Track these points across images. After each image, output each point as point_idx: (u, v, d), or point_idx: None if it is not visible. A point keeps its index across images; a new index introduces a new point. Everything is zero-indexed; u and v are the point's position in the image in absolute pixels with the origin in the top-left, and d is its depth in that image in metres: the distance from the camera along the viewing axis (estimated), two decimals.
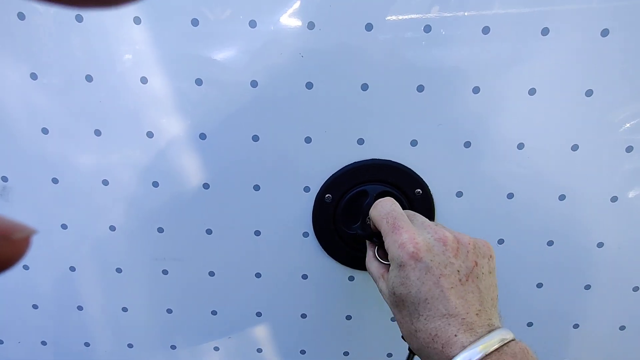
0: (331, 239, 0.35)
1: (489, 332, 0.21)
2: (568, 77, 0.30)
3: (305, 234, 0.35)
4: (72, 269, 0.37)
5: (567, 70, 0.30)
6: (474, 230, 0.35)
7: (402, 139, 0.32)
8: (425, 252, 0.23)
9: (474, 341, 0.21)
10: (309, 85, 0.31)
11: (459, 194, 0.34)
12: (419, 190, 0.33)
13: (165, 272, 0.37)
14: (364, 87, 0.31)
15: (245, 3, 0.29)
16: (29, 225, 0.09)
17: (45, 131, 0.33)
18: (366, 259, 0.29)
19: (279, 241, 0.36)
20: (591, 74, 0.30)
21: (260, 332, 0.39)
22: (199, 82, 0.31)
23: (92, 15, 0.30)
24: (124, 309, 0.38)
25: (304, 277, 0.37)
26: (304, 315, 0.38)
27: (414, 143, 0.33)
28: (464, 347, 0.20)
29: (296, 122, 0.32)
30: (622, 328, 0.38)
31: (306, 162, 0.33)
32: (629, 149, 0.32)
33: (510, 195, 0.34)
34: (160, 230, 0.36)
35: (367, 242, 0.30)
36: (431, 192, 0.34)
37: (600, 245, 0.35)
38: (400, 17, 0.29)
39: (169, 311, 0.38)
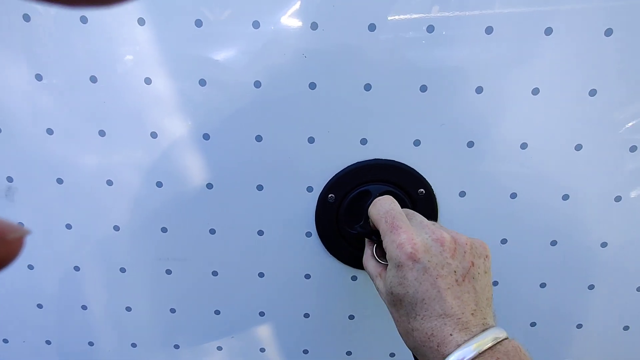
0: (334, 238, 0.35)
1: (483, 330, 0.21)
2: (571, 77, 0.30)
3: (308, 234, 0.35)
4: (77, 268, 0.37)
5: (570, 70, 0.30)
6: (476, 230, 0.35)
7: (405, 139, 0.32)
8: (423, 253, 0.23)
9: (468, 340, 0.21)
10: (312, 86, 0.31)
11: (462, 194, 0.34)
12: (422, 190, 0.33)
13: (168, 271, 0.37)
14: (367, 87, 0.31)
15: (248, 4, 0.29)
16: (25, 225, 0.09)
17: (49, 132, 0.33)
18: (364, 256, 0.29)
19: (282, 241, 0.36)
20: (595, 74, 0.30)
21: (263, 332, 0.39)
22: (202, 82, 0.31)
23: (97, 17, 0.30)
24: (128, 309, 0.39)
25: (307, 276, 0.37)
26: (306, 315, 0.38)
27: (417, 143, 0.33)
28: (458, 346, 0.21)
29: (299, 122, 0.32)
30: (626, 328, 0.38)
31: (309, 162, 0.33)
32: (633, 149, 0.32)
33: (513, 195, 0.34)
34: (164, 230, 0.36)
35: (366, 240, 0.30)
36: (434, 192, 0.34)
37: (603, 245, 0.35)
38: (403, 17, 0.29)
39: (173, 311, 0.39)
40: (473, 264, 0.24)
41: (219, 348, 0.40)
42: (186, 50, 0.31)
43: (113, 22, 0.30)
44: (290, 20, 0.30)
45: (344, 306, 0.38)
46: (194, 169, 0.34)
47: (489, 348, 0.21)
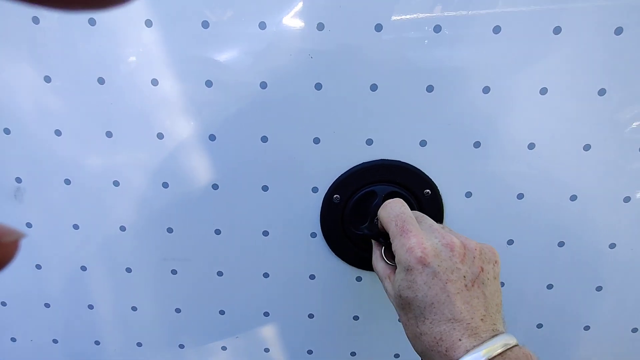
0: (339, 239, 0.35)
1: (493, 336, 0.21)
2: (580, 76, 0.30)
3: (313, 235, 0.35)
4: (83, 268, 0.38)
5: (579, 69, 0.30)
6: (483, 231, 0.34)
7: (411, 139, 0.32)
8: (433, 257, 0.23)
9: (478, 345, 0.21)
10: (318, 86, 0.31)
11: (469, 195, 0.34)
12: (428, 190, 0.33)
13: (174, 271, 0.37)
14: (373, 87, 0.31)
15: (254, 5, 0.29)
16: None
17: (58, 133, 0.34)
18: (373, 258, 0.29)
19: (287, 241, 0.36)
20: (604, 73, 0.30)
21: (268, 332, 0.39)
22: (208, 83, 0.31)
23: (104, 19, 0.30)
24: (134, 308, 0.39)
25: (312, 277, 0.37)
26: (311, 316, 0.38)
27: (423, 143, 0.32)
28: (467, 351, 0.21)
29: (305, 123, 0.32)
30: (635, 330, 0.37)
31: (314, 162, 0.33)
32: None
33: (520, 196, 0.34)
34: (170, 230, 0.36)
35: (374, 242, 0.30)
36: (440, 193, 0.33)
37: (612, 246, 0.35)
38: (410, 18, 0.29)
39: (178, 310, 0.39)
40: (482, 270, 0.24)
41: (224, 348, 0.40)
42: (192, 52, 0.31)
43: (120, 24, 0.30)
44: (296, 21, 0.30)
45: (349, 307, 0.38)
46: (200, 169, 0.34)
47: (499, 354, 0.20)
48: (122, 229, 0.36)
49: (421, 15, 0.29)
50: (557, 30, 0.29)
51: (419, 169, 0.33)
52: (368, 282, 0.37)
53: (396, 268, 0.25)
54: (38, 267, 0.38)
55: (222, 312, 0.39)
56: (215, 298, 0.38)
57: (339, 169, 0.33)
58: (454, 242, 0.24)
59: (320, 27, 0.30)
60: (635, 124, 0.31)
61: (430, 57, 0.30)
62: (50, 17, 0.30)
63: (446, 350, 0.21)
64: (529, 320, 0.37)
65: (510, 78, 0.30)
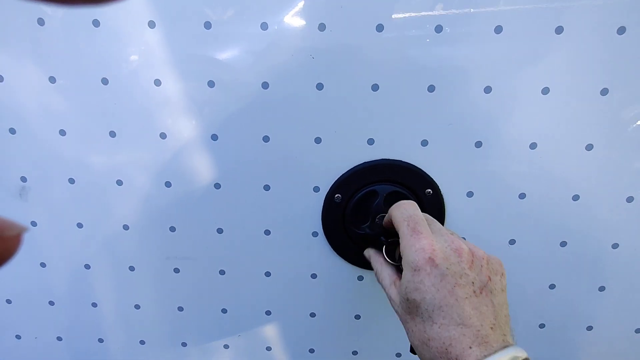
0: (340, 238, 0.35)
1: (504, 347, 0.21)
2: (583, 76, 0.30)
3: (315, 234, 0.36)
4: (87, 266, 0.38)
5: (581, 69, 0.30)
6: (484, 230, 0.34)
7: (412, 139, 0.32)
8: (442, 260, 0.23)
9: (489, 355, 0.20)
10: (320, 86, 0.31)
11: (470, 194, 0.34)
12: (429, 190, 0.33)
13: (176, 270, 0.38)
14: (375, 87, 0.31)
15: (256, 6, 0.30)
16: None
17: (62, 133, 0.34)
18: (376, 266, 0.29)
19: (289, 241, 0.36)
20: (607, 73, 0.30)
21: (270, 331, 0.39)
22: (211, 84, 0.32)
23: (108, 20, 0.30)
24: (137, 307, 0.39)
25: (313, 276, 0.37)
26: (313, 314, 0.38)
27: (424, 143, 0.33)
28: None
29: (306, 122, 0.32)
30: (638, 331, 0.37)
31: (316, 162, 0.33)
32: None
33: (522, 196, 0.33)
34: (172, 229, 0.36)
35: (371, 254, 0.30)
36: (442, 192, 0.33)
37: (614, 246, 0.34)
38: (411, 18, 0.29)
39: (180, 309, 0.39)
40: (490, 279, 0.23)
41: (226, 346, 0.40)
42: (195, 52, 0.31)
43: (124, 25, 0.31)
44: (298, 21, 0.30)
45: (350, 306, 0.38)
46: (202, 169, 0.34)
47: None
48: (125, 227, 0.36)
49: (422, 15, 0.29)
50: (559, 30, 0.29)
51: (420, 169, 0.33)
52: (369, 281, 0.37)
53: (401, 273, 0.25)
54: (42, 265, 0.38)
55: (224, 311, 0.39)
56: (217, 297, 0.38)
57: (340, 168, 0.34)
58: (463, 247, 0.24)
59: (322, 27, 0.30)
60: (637, 124, 0.31)
61: (432, 57, 0.30)
62: (55, 18, 0.31)
63: (456, 358, 0.21)
64: (531, 320, 0.37)
65: (512, 78, 0.30)
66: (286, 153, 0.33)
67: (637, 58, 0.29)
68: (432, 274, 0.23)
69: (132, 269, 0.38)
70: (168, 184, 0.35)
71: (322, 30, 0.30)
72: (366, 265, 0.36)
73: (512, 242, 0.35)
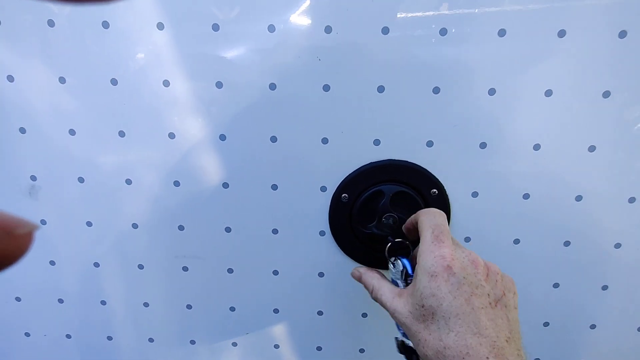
0: (347, 237, 0.35)
1: None
2: (585, 78, 0.30)
3: (322, 233, 0.36)
4: (96, 265, 0.39)
5: (584, 71, 0.30)
6: (489, 230, 0.35)
7: (418, 139, 0.33)
8: (459, 269, 0.23)
9: None
10: (326, 88, 0.32)
11: (475, 194, 0.34)
12: (434, 190, 0.34)
13: (185, 268, 0.38)
14: (380, 89, 0.31)
15: (264, 8, 0.30)
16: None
17: (72, 132, 0.34)
18: (375, 286, 0.28)
19: (296, 239, 0.36)
20: (609, 75, 0.30)
21: (278, 329, 0.40)
22: (219, 84, 0.32)
23: (117, 22, 0.31)
24: (146, 304, 0.40)
25: (321, 274, 0.37)
26: (320, 313, 0.39)
27: (429, 144, 0.33)
28: None
29: (313, 123, 0.33)
30: None
31: (323, 162, 0.34)
32: None
33: (526, 196, 0.34)
34: (181, 228, 0.37)
35: (363, 270, 0.29)
36: (447, 193, 0.34)
37: (617, 245, 0.35)
38: (416, 20, 0.30)
39: (189, 307, 0.39)
40: (504, 294, 0.24)
41: (234, 344, 0.41)
42: (203, 53, 0.31)
43: (133, 26, 0.31)
44: (305, 23, 0.30)
45: (357, 304, 0.38)
46: (210, 168, 0.35)
47: None
48: (135, 226, 0.37)
49: (427, 17, 0.29)
50: (561, 33, 0.29)
51: (426, 169, 0.33)
52: None
53: (406, 286, 0.25)
54: (52, 263, 0.39)
55: (232, 309, 0.39)
56: (225, 295, 0.39)
57: (347, 168, 0.34)
58: (479, 261, 0.24)
59: (328, 29, 0.30)
60: (639, 125, 0.32)
61: (437, 59, 0.30)
62: (65, 19, 0.31)
63: None
64: (535, 319, 0.37)
65: (515, 80, 0.31)
66: (293, 153, 0.34)
67: (638, 61, 0.30)
68: (449, 281, 0.23)
69: (141, 267, 0.38)
70: (177, 184, 0.35)
71: (329, 33, 0.30)
72: (373, 263, 0.36)
73: (516, 241, 0.35)
